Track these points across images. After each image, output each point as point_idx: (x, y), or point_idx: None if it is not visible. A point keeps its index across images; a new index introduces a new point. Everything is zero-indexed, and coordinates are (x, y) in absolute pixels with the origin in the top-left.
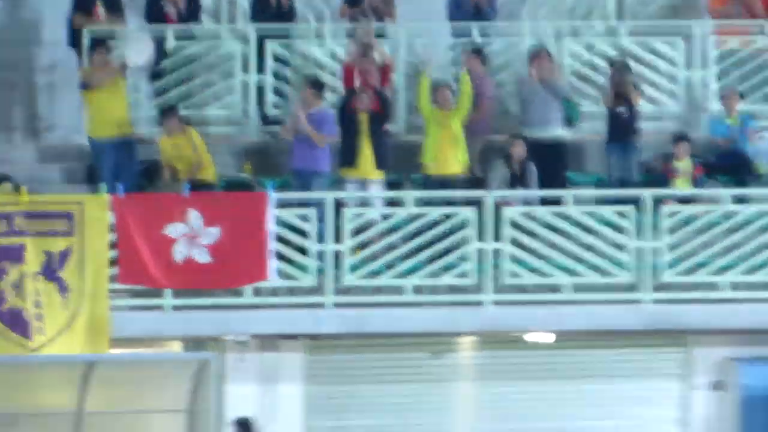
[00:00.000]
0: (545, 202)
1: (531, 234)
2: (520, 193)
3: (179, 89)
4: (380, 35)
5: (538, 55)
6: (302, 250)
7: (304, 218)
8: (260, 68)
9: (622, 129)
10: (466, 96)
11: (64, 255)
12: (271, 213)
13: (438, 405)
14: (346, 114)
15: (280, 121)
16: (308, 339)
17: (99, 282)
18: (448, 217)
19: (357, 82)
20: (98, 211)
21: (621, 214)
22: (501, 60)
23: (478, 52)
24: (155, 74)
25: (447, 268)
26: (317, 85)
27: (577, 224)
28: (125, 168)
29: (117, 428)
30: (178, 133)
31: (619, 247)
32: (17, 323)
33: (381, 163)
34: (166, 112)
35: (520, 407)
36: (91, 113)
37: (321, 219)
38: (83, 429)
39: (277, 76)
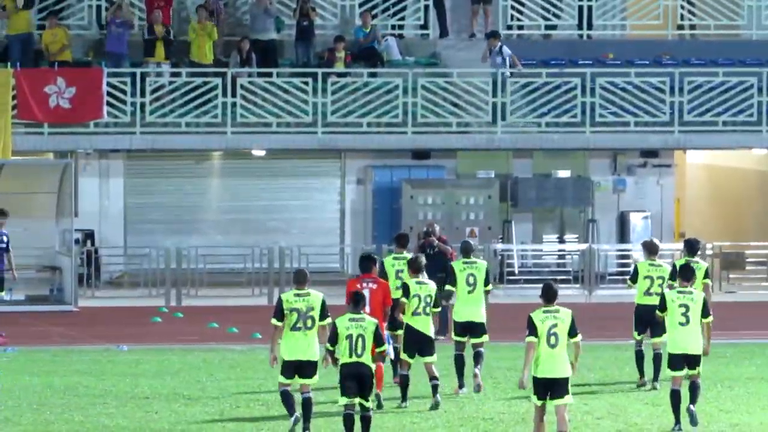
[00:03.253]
0: (261, 74)
1: (253, 93)
2: (247, 69)
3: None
4: None
5: None
6: (122, 101)
7: (123, 83)
8: None
9: (305, 34)
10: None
11: None
12: (105, 80)
13: (200, 190)
14: (148, 25)
15: (109, 25)
16: (126, 152)
17: (6, 118)
18: (205, 83)
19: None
20: (6, 78)
21: (305, 83)
22: None
23: None
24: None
25: (205, 112)
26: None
27: (280, 88)
28: (25, 52)
29: (18, 202)
30: (55, 30)
31: (305, 101)
32: None
33: (168, 54)
34: (50, 16)
35: (249, 191)
36: (8, 21)
37: (133, 84)
38: None
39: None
